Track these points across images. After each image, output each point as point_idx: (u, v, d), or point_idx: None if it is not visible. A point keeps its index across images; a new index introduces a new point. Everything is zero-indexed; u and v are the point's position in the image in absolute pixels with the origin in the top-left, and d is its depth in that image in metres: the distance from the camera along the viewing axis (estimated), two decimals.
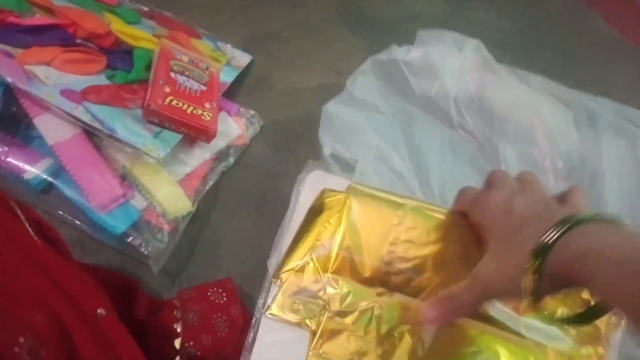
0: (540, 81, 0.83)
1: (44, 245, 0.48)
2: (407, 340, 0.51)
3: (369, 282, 0.53)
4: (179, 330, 0.60)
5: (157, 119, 0.72)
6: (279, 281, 0.54)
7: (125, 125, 0.71)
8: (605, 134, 0.78)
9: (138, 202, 0.72)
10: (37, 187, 0.70)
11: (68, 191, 0.70)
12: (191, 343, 0.60)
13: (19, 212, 0.48)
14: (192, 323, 0.60)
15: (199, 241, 0.75)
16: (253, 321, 0.53)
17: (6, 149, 0.69)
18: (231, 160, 0.80)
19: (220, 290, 0.65)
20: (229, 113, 0.83)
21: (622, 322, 0.53)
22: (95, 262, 0.69)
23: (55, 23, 0.75)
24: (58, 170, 0.70)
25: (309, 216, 0.57)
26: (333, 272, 0.54)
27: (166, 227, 0.71)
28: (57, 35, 0.75)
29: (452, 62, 0.80)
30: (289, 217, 0.58)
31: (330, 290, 0.53)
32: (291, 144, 0.85)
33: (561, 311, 0.52)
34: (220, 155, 0.79)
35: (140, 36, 0.81)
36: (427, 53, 0.81)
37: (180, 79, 0.76)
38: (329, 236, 0.55)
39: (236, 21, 0.98)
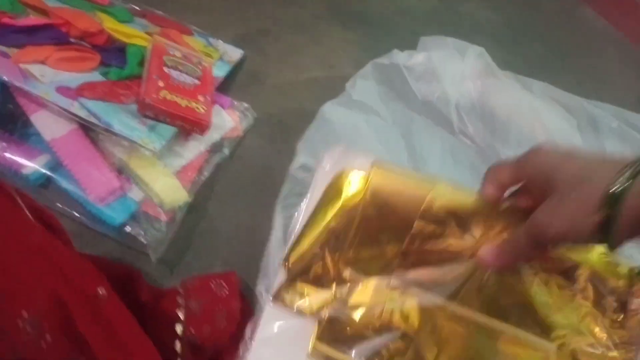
0: (542, 87, 0.84)
1: (43, 231, 0.49)
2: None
3: (389, 258, 0.52)
4: (181, 316, 0.61)
5: (152, 113, 0.73)
6: (287, 264, 0.53)
7: (120, 119, 0.72)
8: (609, 140, 0.79)
9: (135, 194, 0.73)
10: (35, 182, 0.71)
11: (66, 185, 0.71)
12: (192, 330, 0.61)
13: (18, 200, 0.49)
14: (194, 311, 0.61)
15: (196, 231, 0.76)
16: (256, 307, 0.53)
17: (4, 145, 0.71)
18: (226, 152, 0.82)
19: (223, 283, 0.66)
20: (222, 106, 0.84)
21: None
22: (94, 254, 0.70)
23: (48, 23, 0.77)
24: (56, 165, 0.71)
25: (326, 196, 0.56)
26: (348, 257, 0.52)
27: (164, 218, 0.72)
28: (51, 35, 0.76)
29: (453, 67, 0.81)
30: (306, 199, 0.58)
31: (340, 280, 0.52)
32: (284, 136, 0.86)
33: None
34: (215, 148, 0.81)
35: (133, 34, 0.82)
36: (429, 58, 0.82)
37: (174, 73, 0.77)
38: (346, 217, 0.54)
39: (227, 19, 1.00)
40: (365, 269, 0.53)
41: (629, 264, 0.54)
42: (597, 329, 0.52)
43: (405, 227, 0.52)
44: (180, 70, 0.79)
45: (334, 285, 0.52)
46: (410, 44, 0.87)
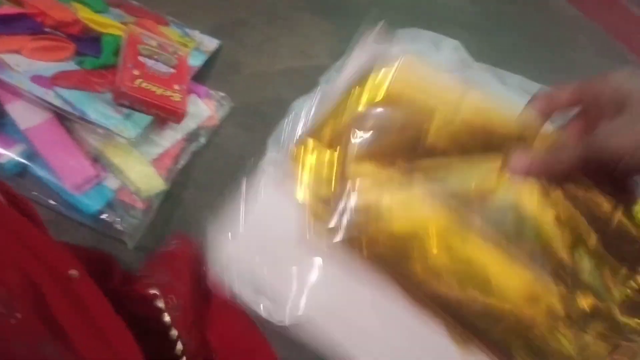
0: (518, 80, 0.85)
1: (16, 213, 0.49)
2: None
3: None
4: (156, 292, 0.62)
5: (127, 101, 0.74)
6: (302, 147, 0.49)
7: (95, 108, 0.72)
8: None
9: (111, 183, 0.74)
10: (11, 171, 0.71)
11: (42, 174, 0.71)
12: (171, 296, 0.62)
13: None
14: (165, 281, 0.62)
15: (173, 218, 0.77)
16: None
17: None
18: (202, 140, 0.83)
19: (172, 241, 0.67)
20: (198, 95, 0.85)
21: None
22: (71, 242, 0.71)
23: (23, 12, 0.77)
24: (32, 154, 0.72)
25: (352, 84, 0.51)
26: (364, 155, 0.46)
27: (140, 205, 0.73)
28: (25, 25, 0.77)
29: (429, 60, 0.82)
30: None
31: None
32: (260, 124, 0.87)
33: None
34: (191, 136, 0.82)
35: (108, 23, 0.82)
36: (404, 51, 0.83)
37: (149, 62, 0.78)
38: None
39: (203, 9, 1.00)
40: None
41: None
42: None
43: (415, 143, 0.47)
44: (155, 59, 0.79)
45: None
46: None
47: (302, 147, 0.49)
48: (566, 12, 1.30)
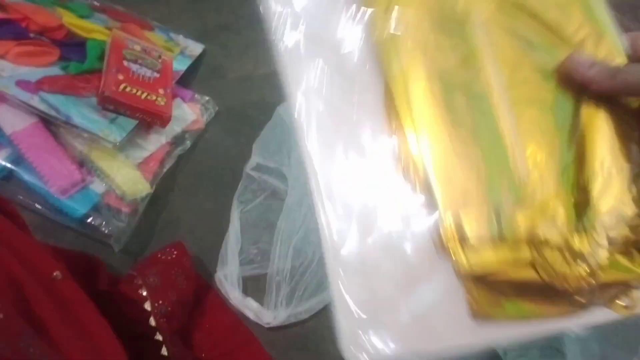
0: None
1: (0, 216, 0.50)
2: None
3: None
4: (145, 294, 0.63)
5: (112, 106, 0.75)
6: None
7: (81, 112, 0.73)
8: None
9: (97, 187, 0.74)
10: None
11: (28, 178, 0.72)
12: (160, 302, 0.63)
13: None
14: (155, 284, 0.63)
15: (159, 222, 0.78)
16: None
17: None
18: (188, 144, 0.83)
19: (169, 249, 0.68)
20: (183, 99, 0.86)
21: None
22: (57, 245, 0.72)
23: (7, 18, 0.77)
24: (17, 159, 0.72)
25: None
26: None
27: (126, 209, 0.73)
28: (10, 30, 0.77)
29: None
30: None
31: None
32: (245, 128, 0.88)
33: None
34: (177, 140, 0.82)
35: (93, 28, 0.83)
36: None
37: (134, 67, 0.79)
38: None
39: (187, 14, 1.01)
40: None
41: None
42: None
43: None
44: (140, 64, 0.80)
45: None
46: None
47: None
48: None
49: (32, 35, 0.79)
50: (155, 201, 0.78)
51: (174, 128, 0.82)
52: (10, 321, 0.40)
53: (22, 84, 0.73)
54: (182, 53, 0.91)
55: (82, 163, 0.75)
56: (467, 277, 0.37)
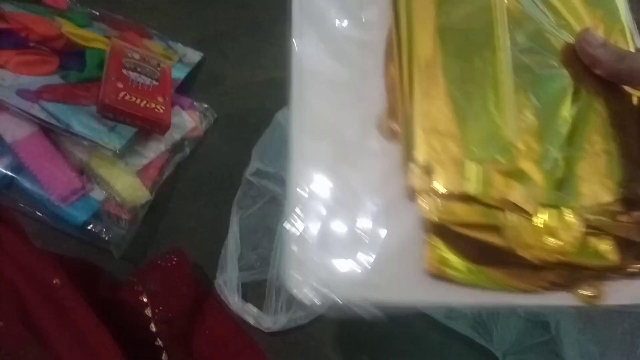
0: None
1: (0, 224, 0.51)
2: None
3: None
4: (145, 300, 0.63)
5: (112, 114, 0.75)
6: None
7: (80, 120, 0.74)
8: None
9: (97, 194, 0.75)
10: None
11: (29, 186, 0.72)
12: (160, 308, 0.64)
13: None
14: (155, 291, 0.64)
15: (159, 228, 0.78)
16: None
17: None
18: (187, 151, 0.84)
19: (169, 256, 0.69)
20: (182, 107, 0.86)
21: None
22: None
23: (7, 28, 0.78)
24: (18, 167, 0.73)
25: None
26: None
27: (125, 216, 0.74)
28: (10, 40, 0.78)
29: None
30: None
31: None
32: (244, 135, 0.88)
33: None
34: (176, 147, 0.83)
35: (92, 37, 0.84)
36: None
37: (132, 75, 0.79)
38: None
39: (185, 23, 1.01)
40: None
41: None
42: None
43: None
44: (139, 72, 0.80)
45: None
46: None
47: None
48: None
49: (32, 44, 0.79)
50: (155, 208, 0.79)
51: (173, 135, 0.82)
52: (10, 329, 0.40)
53: (22, 93, 0.74)
54: (180, 61, 0.92)
55: (82, 171, 0.75)
56: (433, 229, 0.37)
